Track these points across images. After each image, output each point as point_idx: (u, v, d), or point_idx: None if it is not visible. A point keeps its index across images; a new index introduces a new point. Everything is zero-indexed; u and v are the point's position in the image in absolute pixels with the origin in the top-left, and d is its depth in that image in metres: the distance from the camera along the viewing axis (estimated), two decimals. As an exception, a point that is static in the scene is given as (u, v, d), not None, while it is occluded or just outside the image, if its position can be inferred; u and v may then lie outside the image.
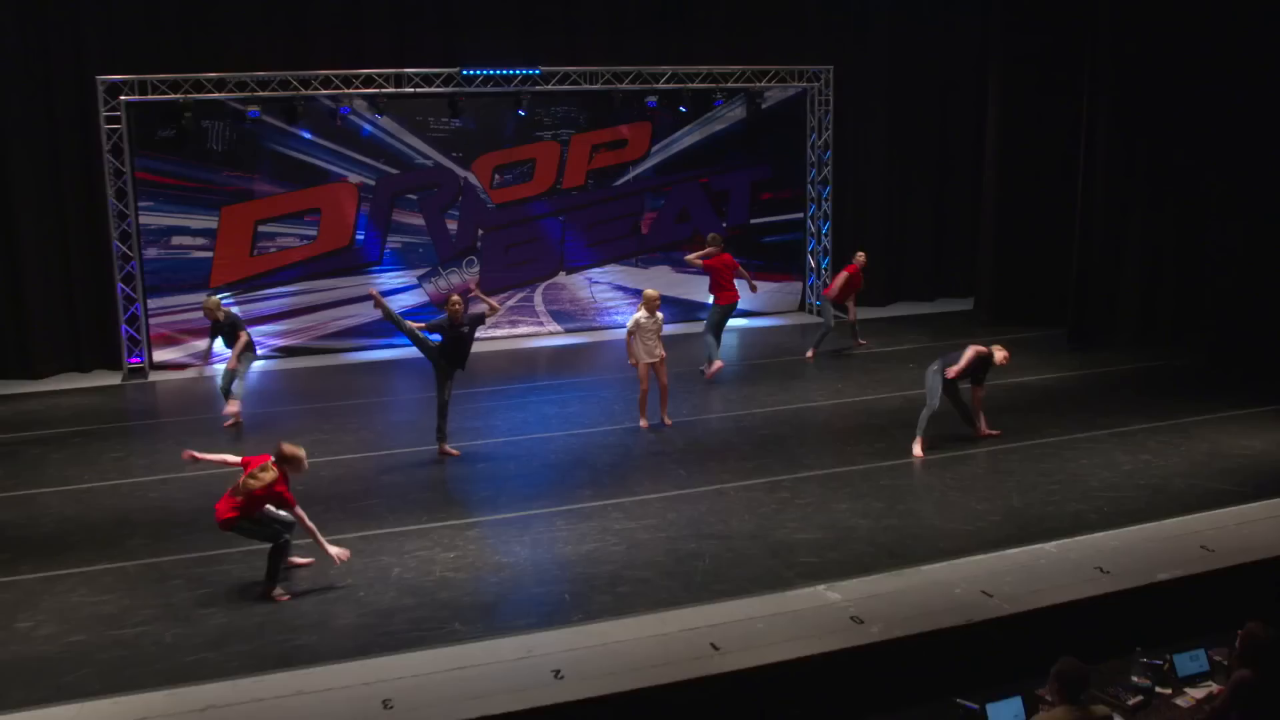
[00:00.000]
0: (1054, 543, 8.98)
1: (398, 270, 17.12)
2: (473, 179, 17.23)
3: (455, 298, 11.60)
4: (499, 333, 17.69)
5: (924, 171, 19.62)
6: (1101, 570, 8.37)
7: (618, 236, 18.21)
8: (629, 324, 12.35)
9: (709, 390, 14.13)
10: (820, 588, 8.24)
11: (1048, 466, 10.93)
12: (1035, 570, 8.44)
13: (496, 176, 17.37)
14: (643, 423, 12.54)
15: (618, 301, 18.33)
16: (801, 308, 19.36)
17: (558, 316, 18.06)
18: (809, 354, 15.76)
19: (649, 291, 12.31)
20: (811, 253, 19.12)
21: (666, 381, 12.59)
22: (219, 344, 13.21)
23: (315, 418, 13.33)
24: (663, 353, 12.39)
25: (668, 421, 12.62)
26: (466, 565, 8.86)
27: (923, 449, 11.32)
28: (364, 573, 8.70)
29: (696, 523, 9.63)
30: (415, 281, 17.23)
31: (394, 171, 16.84)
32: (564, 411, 13.33)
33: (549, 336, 17.85)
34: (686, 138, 18.25)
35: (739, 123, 18.42)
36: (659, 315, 12.34)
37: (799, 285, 19.36)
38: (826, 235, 18.91)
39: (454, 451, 11.66)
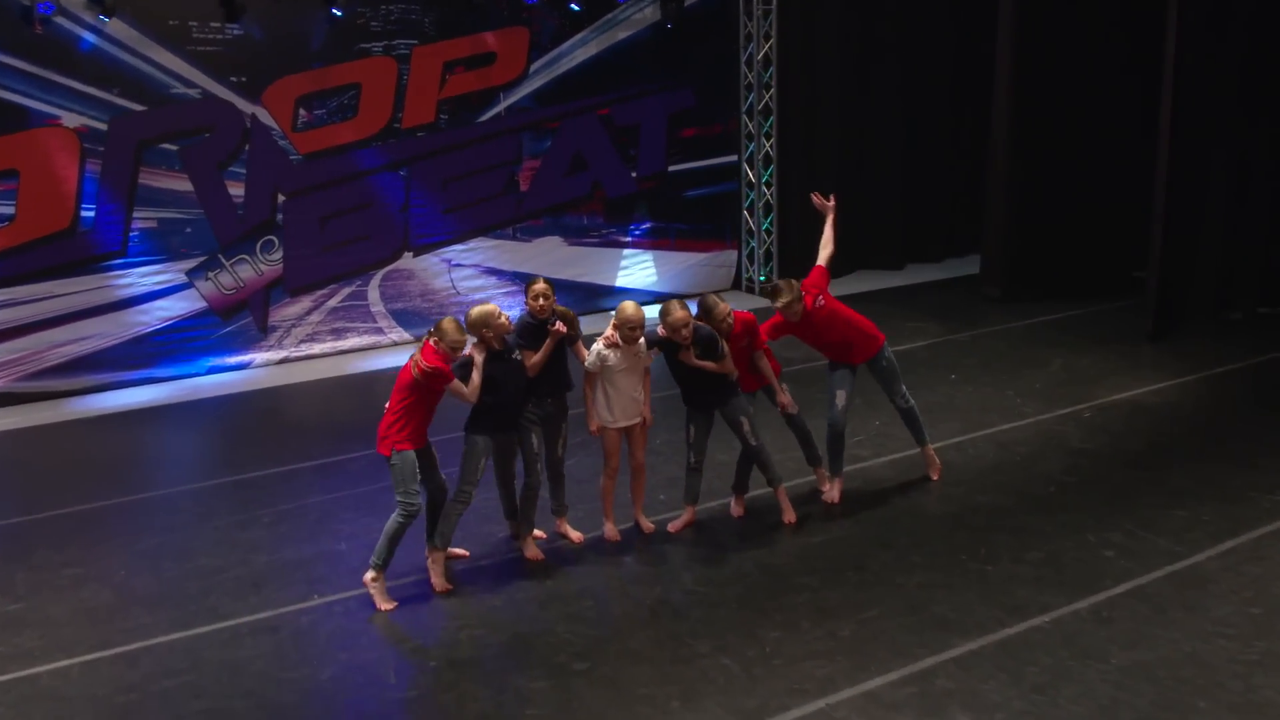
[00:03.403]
0: None
1: (153, 263, 11.03)
2: (265, 117, 11.25)
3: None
4: (317, 349, 11.87)
5: (903, 94, 14.59)
6: None
7: (486, 197, 12.59)
8: (589, 361, 6.95)
9: (673, 443, 8.68)
10: None
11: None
12: None
13: (302, 113, 11.42)
14: (609, 530, 7.20)
15: (490, 291, 12.72)
16: (737, 284, 14.23)
17: (404, 319, 12.32)
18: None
19: (628, 308, 6.88)
20: (749, 209, 13.96)
21: (644, 459, 7.25)
22: None
23: None
24: (648, 413, 7.09)
25: (647, 526, 7.30)
26: None
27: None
28: None
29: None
30: (183, 279, 11.18)
31: (138, 108, 10.71)
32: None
33: (391, 351, 12.09)
34: (579, 50, 12.73)
35: (651, 28, 13.02)
36: (642, 347, 6.98)
37: (733, 255, 14.20)
38: (768, 185, 13.76)
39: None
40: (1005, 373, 10.49)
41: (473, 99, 12.23)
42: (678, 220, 13.65)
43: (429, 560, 6.59)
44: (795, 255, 14.16)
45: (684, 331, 6.81)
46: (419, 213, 12.22)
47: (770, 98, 13.49)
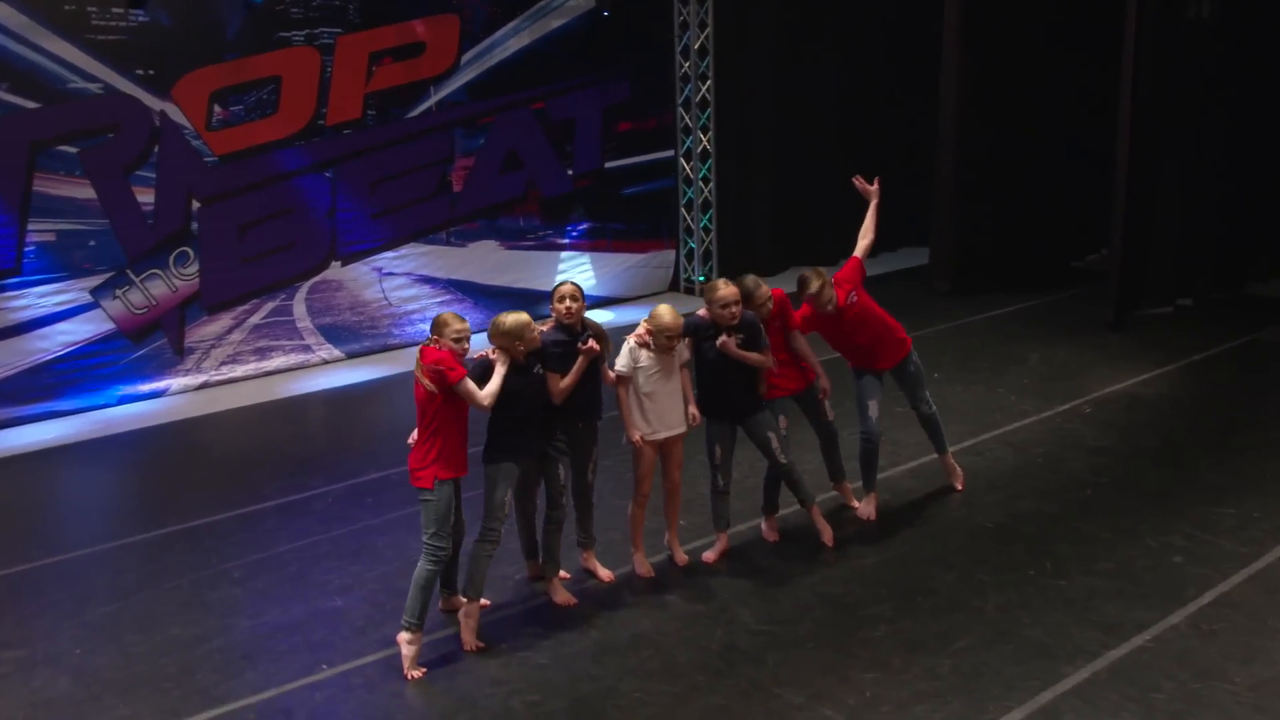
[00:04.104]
0: None
1: (52, 281, 9.72)
2: (176, 114, 10.07)
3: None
4: (240, 371, 10.74)
5: (842, 84, 14.11)
6: None
7: (418, 198, 11.63)
8: (620, 362, 6.22)
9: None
10: None
11: None
12: None
13: (217, 109, 10.28)
14: (641, 564, 6.46)
15: (424, 302, 11.78)
16: (675, 285, 13.58)
17: (332, 335, 11.27)
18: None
19: (665, 314, 6.15)
20: (686, 206, 13.34)
21: (679, 478, 6.54)
22: None
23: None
24: (695, 410, 6.37)
25: (681, 557, 6.58)
26: None
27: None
28: None
29: None
30: (87, 299, 9.90)
31: (31, 105, 9.41)
32: (391, 579, 6.59)
33: (320, 371, 11.06)
34: (512, 40, 11.88)
35: (585, 16, 12.27)
36: (682, 348, 6.28)
37: (670, 255, 13.55)
38: (706, 182, 13.16)
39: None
40: (987, 370, 10.14)
41: (401, 93, 11.25)
42: (614, 220, 12.93)
43: (460, 614, 5.73)
44: (735, 254, 13.65)
45: (734, 308, 6.14)
46: (346, 218, 11.19)
47: (707, 89, 12.89)
